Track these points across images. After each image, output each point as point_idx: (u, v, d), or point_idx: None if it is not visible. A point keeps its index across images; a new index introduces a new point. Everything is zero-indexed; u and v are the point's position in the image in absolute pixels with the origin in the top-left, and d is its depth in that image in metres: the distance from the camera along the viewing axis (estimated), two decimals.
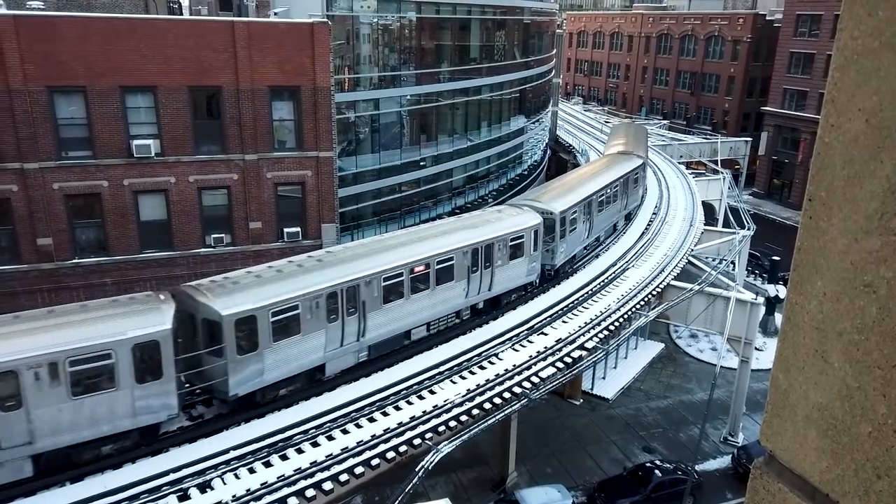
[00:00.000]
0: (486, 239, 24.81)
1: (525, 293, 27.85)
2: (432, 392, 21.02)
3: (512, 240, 25.83)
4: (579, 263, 31.91)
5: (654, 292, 29.65)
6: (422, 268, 22.70)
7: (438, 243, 23.59)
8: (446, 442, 19.00)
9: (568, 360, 23.61)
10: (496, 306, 26.30)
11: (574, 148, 62.23)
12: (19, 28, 22.73)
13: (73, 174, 24.58)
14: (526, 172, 51.94)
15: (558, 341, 24.36)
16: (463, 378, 21.91)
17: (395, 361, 22.45)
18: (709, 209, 47.28)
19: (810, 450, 1.49)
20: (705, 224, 40.12)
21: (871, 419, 1.35)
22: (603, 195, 33.44)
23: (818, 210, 1.46)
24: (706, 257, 36.41)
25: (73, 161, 24.55)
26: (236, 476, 16.87)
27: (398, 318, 22.20)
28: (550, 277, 29.29)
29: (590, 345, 24.69)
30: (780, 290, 43.16)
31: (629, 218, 38.85)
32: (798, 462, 1.52)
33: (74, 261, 25.19)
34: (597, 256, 33.56)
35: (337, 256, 21.68)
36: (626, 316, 27.28)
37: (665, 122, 79.53)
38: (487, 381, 21.70)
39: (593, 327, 25.71)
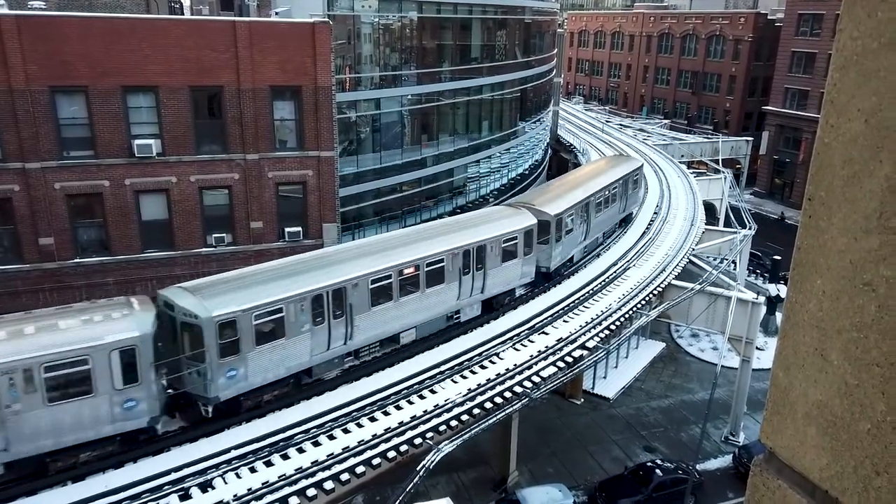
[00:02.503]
0: None
1: None
2: (433, 391, 21.04)
3: None
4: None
5: (655, 292, 29.63)
6: None
7: None
8: (447, 441, 19.02)
9: (569, 359, 23.61)
10: None
11: (575, 147, 62.21)
12: (21, 28, 22.76)
13: (74, 174, 24.60)
14: (527, 172, 51.92)
15: (559, 340, 24.37)
16: (464, 377, 21.93)
17: (395, 361, 22.47)
18: (710, 209, 47.25)
19: (810, 447, 1.50)
20: (706, 223, 40.09)
21: (870, 416, 1.36)
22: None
23: (818, 209, 1.47)
24: (707, 257, 36.39)
25: (74, 161, 24.57)
26: (237, 475, 16.90)
27: None
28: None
29: (591, 344, 24.70)
30: (782, 290, 43.14)
31: (493, 306, 26.34)
32: (798, 459, 1.53)
33: (76, 260, 25.22)
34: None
35: None
36: (626, 316, 27.29)
37: (666, 121, 79.50)
38: (488, 380, 21.71)
39: (594, 326, 25.71)
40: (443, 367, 22.27)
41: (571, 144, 63.81)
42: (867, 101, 1.34)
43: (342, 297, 20.52)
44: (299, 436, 18.48)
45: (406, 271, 22.42)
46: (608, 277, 30.42)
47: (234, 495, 16.12)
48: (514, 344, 24.15)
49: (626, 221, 37.97)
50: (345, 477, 17.29)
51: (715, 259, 36.37)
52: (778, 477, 1.57)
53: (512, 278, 26.61)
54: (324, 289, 20.09)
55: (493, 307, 26.44)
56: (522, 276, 27.17)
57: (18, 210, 24.07)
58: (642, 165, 38.81)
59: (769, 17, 72.07)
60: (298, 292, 19.57)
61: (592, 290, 29.01)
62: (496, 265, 25.43)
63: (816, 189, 1.47)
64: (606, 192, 33.37)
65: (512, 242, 25.99)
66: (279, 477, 16.86)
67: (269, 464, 17.39)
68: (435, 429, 19.34)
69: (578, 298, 28.03)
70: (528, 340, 24.50)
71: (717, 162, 58.22)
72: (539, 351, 23.64)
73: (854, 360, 1.39)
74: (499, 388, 21.38)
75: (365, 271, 21.22)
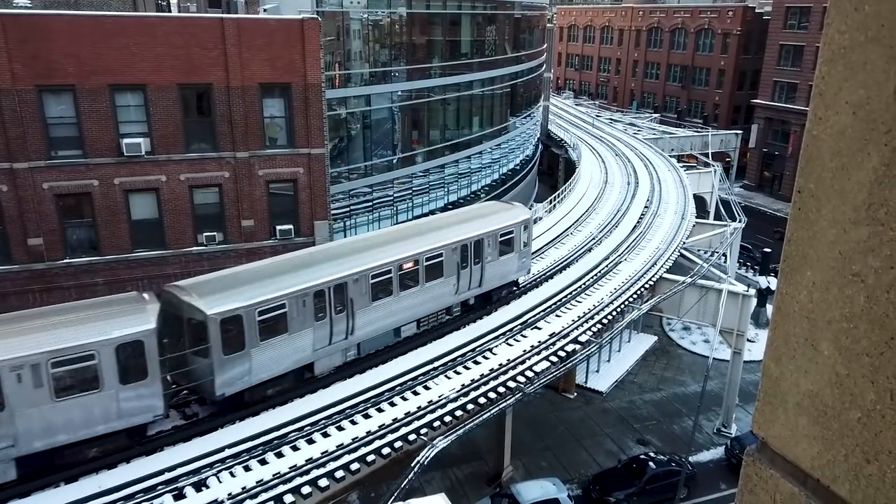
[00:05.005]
0: None
1: None
2: (427, 388, 21.06)
3: None
4: None
5: (647, 285, 29.74)
6: None
7: None
8: (441, 437, 19.05)
9: (562, 353, 23.68)
10: None
11: (566, 142, 62.31)
12: (6, 27, 22.54)
13: (63, 174, 24.42)
14: (518, 167, 51.96)
15: (552, 335, 24.44)
16: (457, 373, 21.96)
17: (389, 358, 22.47)
18: (700, 202, 47.46)
19: (801, 436, 1.52)
20: (697, 217, 40.26)
21: (860, 405, 1.38)
22: None
23: (807, 202, 1.48)
24: (698, 250, 36.56)
25: (62, 160, 24.39)
26: (232, 474, 16.87)
27: None
28: None
29: (583, 338, 24.77)
30: (772, 282, 43.41)
31: (53, 464, 16.63)
32: (790, 448, 1.55)
33: (66, 261, 25.05)
34: None
35: None
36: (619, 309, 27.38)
37: (656, 115, 79.75)
38: (482, 375, 21.75)
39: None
40: (436, 364, 22.30)
41: (562, 139, 63.93)
42: (855, 93, 1.35)
43: None
44: (293, 433, 18.46)
45: None
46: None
47: (229, 494, 16.09)
48: (506, 339, 24.20)
49: (488, 298, 26.17)
50: (339, 474, 17.30)
51: (706, 252, 36.54)
52: (770, 466, 1.59)
53: (91, 420, 16.47)
54: None
55: (55, 466, 16.45)
56: (123, 414, 16.87)
57: (7, 210, 23.87)
58: (528, 220, 26.94)
59: (757, 11, 72.36)
60: None
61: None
62: (40, 402, 15.75)
63: (806, 181, 1.48)
64: (413, 265, 22.62)
65: (83, 364, 16.26)
66: (274, 475, 16.84)
67: (263, 462, 17.37)
68: (429, 425, 19.36)
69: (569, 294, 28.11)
70: (521, 335, 24.55)
71: (706, 155, 58.45)
72: (532, 346, 23.71)
73: (844, 349, 1.41)
74: (492, 384, 21.42)
75: None
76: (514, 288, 27.61)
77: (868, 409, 1.36)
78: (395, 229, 26.05)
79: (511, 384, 21.61)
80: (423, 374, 21.71)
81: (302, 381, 20.44)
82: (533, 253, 32.16)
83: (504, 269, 26.13)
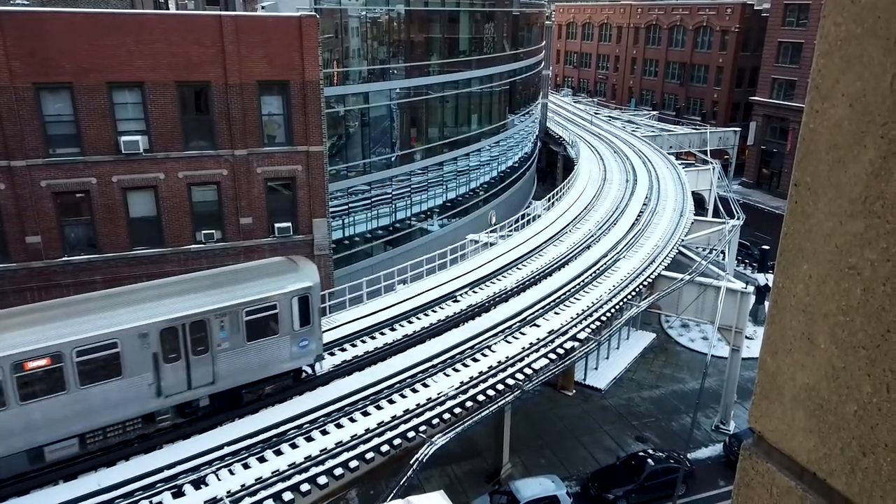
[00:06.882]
0: None
1: None
2: (426, 385, 21.06)
3: None
4: None
5: (645, 282, 29.75)
6: None
7: None
8: (440, 435, 19.07)
9: (560, 350, 23.67)
10: None
11: (564, 139, 62.31)
12: (4, 25, 22.51)
13: (61, 171, 24.40)
14: (517, 165, 51.96)
15: (551, 332, 24.44)
16: (456, 371, 21.96)
17: (387, 357, 22.47)
18: (698, 199, 47.47)
19: (798, 430, 1.52)
20: (695, 214, 40.26)
21: (856, 398, 1.38)
22: None
23: (804, 195, 1.48)
24: (696, 247, 36.58)
25: (60, 158, 24.37)
26: (231, 472, 16.88)
27: None
28: None
29: (582, 335, 24.77)
30: (770, 279, 43.41)
31: None
32: (786, 442, 1.55)
33: (64, 259, 25.04)
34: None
35: None
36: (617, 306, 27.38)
37: (655, 113, 79.76)
38: (481, 373, 21.75)
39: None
40: (435, 361, 22.30)
41: (560, 137, 63.93)
42: (851, 86, 1.35)
43: None
44: (292, 431, 18.47)
45: None
46: None
47: (228, 491, 16.10)
48: (505, 336, 24.19)
49: (235, 398, 18.88)
50: (338, 472, 17.31)
51: (704, 249, 36.55)
52: (767, 460, 1.59)
53: None
54: None
55: None
56: None
57: (5, 208, 23.86)
58: (308, 288, 19.25)
59: (756, 8, 72.35)
60: None
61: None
62: None
63: (802, 175, 1.48)
64: (49, 361, 15.72)
65: None
66: (273, 472, 16.85)
67: (262, 459, 17.37)
68: (428, 422, 19.37)
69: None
70: (520, 333, 24.54)
71: (705, 153, 58.50)
72: (531, 343, 23.70)
73: (840, 343, 1.41)
74: (491, 381, 21.42)
75: None
76: (307, 375, 20.51)
77: (864, 402, 1.36)
78: (40, 306, 17.70)
79: (510, 381, 21.59)
80: (423, 371, 21.67)
81: None
82: (533, 250, 32.19)
83: (261, 357, 18.80)
